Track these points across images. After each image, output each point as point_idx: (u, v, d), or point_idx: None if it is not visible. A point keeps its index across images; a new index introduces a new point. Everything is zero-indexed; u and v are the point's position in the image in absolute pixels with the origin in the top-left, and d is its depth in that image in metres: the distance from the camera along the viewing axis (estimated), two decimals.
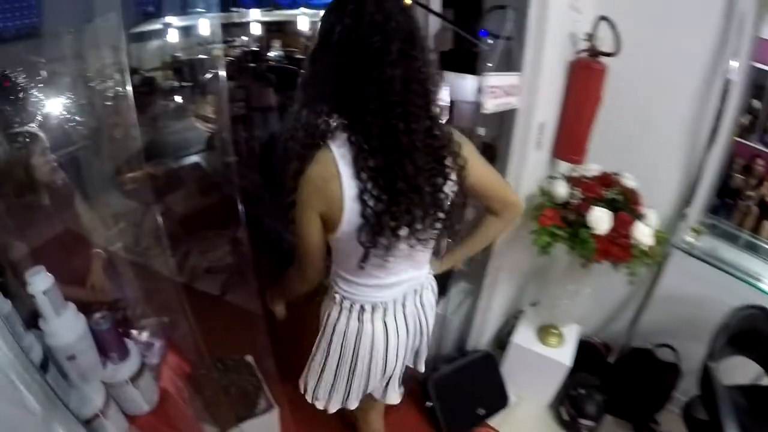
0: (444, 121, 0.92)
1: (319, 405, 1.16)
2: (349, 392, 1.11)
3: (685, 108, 1.67)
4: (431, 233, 0.93)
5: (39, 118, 1.42)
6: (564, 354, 1.92)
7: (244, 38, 12.65)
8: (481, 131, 1.54)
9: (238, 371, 1.75)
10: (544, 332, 1.96)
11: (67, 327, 0.94)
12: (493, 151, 1.74)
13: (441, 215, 0.91)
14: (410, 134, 0.80)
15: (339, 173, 0.82)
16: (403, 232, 0.87)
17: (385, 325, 1.04)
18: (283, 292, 1.20)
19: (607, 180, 1.62)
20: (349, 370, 1.08)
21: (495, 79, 1.47)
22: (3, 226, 1.22)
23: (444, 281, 1.56)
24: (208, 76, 6.30)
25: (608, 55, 1.52)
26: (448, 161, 0.89)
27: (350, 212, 0.84)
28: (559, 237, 1.56)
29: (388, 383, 1.21)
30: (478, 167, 0.98)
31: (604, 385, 1.94)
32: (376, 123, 0.78)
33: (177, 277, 1.78)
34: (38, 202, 1.34)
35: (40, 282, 0.89)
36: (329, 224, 0.89)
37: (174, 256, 1.84)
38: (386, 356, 1.06)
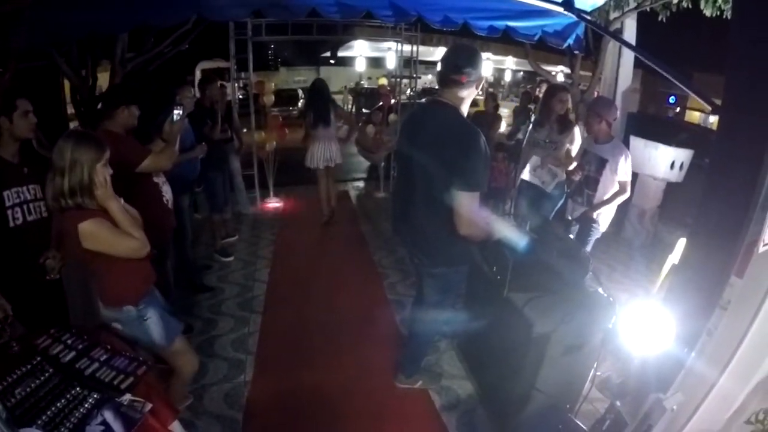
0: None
1: (309, 164, 4.68)
2: (314, 160, 4.64)
3: None
4: (327, 123, 4.53)
5: None
6: None
7: (430, 77, 13.33)
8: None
9: None
10: None
11: None
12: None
13: (328, 118, 4.53)
14: (320, 102, 4.56)
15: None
16: (318, 124, 4.53)
17: (317, 142, 4.62)
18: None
19: None
20: (309, 153, 4.69)
21: None
22: None
23: None
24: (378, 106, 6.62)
25: None
26: (331, 108, 4.57)
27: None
28: None
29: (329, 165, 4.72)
30: (341, 111, 5.18)
31: None
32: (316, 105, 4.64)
33: None
34: None
35: None
36: None
37: None
38: (315, 151, 4.62)
